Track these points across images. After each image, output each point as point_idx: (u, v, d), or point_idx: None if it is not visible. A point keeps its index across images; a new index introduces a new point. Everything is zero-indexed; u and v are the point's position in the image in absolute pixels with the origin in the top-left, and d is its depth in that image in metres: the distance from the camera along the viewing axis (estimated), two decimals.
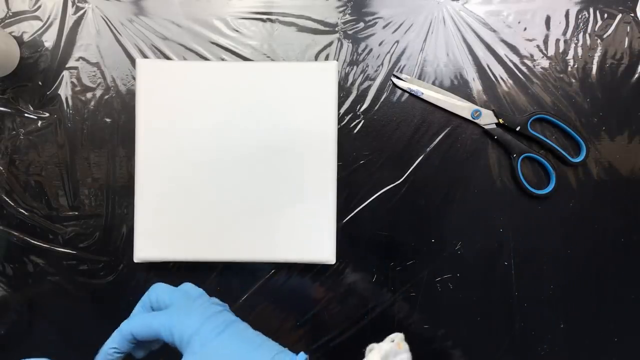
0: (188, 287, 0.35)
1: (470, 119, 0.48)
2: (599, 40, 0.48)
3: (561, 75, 0.48)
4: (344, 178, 0.47)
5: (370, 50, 0.48)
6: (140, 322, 0.32)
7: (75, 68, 0.48)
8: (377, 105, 0.48)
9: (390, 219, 0.48)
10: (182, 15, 0.48)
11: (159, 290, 0.34)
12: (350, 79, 0.48)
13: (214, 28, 0.48)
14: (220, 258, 0.46)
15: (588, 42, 0.48)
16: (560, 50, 0.48)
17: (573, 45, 0.48)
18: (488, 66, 0.48)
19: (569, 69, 0.48)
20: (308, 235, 0.45)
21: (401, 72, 0.48)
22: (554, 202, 0.48)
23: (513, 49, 0.48)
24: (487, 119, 0.47)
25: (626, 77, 0.48)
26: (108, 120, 0.48)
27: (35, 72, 0.48)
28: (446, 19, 0.48)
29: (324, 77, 0.45)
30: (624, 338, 0.48)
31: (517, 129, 0.47)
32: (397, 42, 0.48)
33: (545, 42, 0.48)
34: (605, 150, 0.48)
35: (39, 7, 0.48)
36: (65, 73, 0.48)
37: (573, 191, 0.48)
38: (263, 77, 0.45)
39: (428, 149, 0.48)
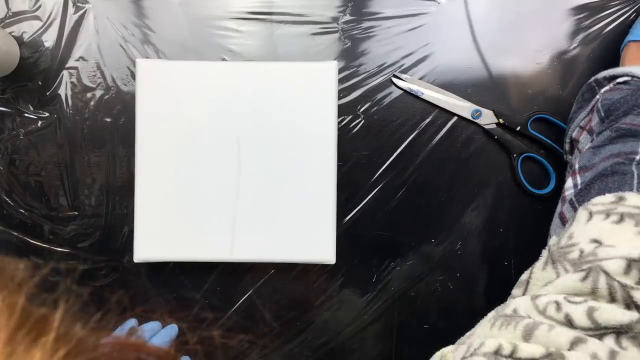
0: None
1: (470, 119, 0.48)
2: (599, 40, 0.48)
3: (562, 75, 0.48)
4: (344, 178, 0.47)
5: (370, 50, 0.48)
6: None
7: (75, 68, 0.48)
8: (377, 105, 0.48)
9: (390, 219, 0.48)
10: (182, 15, 0.48)
11: None
12: (350, 79, 0.48)
13: (214, 28, 0.48)
14: (220, 258, 0.46)
15: (589, 41, 0.48)
16: (561, 50, 0.48)
17: (573, 45, 0.48)
18: (488, 66, 0.48)
19: (569, 68, 0.48)
20: (308, 235, 0.45)
21: (401, 72, 0.48)
22: (554, 202, 0.48)
23: (513, 48, 0.48)
24: (487, 119, 0.47)
25: None
26: (108, 120, 0.48)
27: (35, 72, 0.48)
28: (446, 19, 0.48)
29: (324, 77, 0.45)
30: None
31: (517, 129, 0.47)
32: (397, 42, 0.48)
33: (546, 42, 0.48)
34: None
35: (39, 7, 0.48)
36: (65, 73, 0.48)
37: None
38: (263, 77, 0.45)
39: (428, 149, 0.48)
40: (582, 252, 0.28)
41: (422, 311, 0.48)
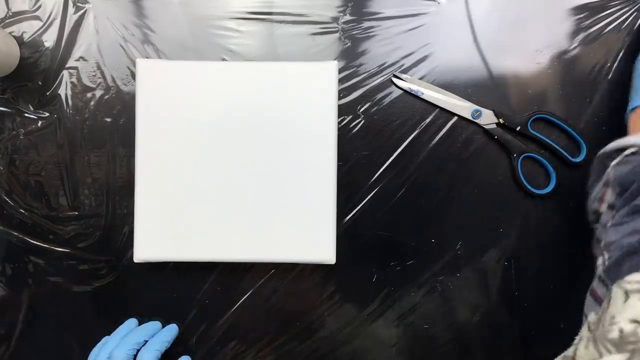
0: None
1: (470, 119, 0.48)
2: (599, 40, 0.48)
3: (562, 75, 0.48)
4: (344, 178, 0.47)
5: (371, 50, 0.48)
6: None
7: (75, 68, 0.48)
8: (377, 105, 0.48)
9: (390, 219, 0.48)
10: (182, 15, 0.48)
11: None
12: (350, 79, 0.48)
13: (214, 28, 0.48)
14: (220, 258, 0.46)
15: (589, 41, 0.48)
16: (561, 50, 0.48)
17: (573, 45, 0.48)
18: (488, 66, 0.48)
19: (570, 68, 0.48)
20: (308, 235, 0.45)
21: (401, 72, 0.48)
22: (554, 202, 0.48)
23: (513, 48, 0.48)
24: (487, 119, 0.47)
25: (626, 76, 0.48)
26: (108, 120, 0.48)
27: (35, 72, 0.48)
28: (446, 19, 0.48)
29: (324, 77, 0.45)
30: None
31: (517, 129, 0.47)
32: (397, 42, 0.48)
33: (546, 42, 0.48)
34: None
35: (39, 7, 0.48)
36: (65, 73, 0.48)
37: (573, 191, 0.48)
38: (263, 77, 0.45)
39: (428, 149, 0.48)
40: (622, 331, 0.28)
41: (422, 311, 0.48)
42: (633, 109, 0.43)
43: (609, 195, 0.38)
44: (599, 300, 0.35)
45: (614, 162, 0.38)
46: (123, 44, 0.48)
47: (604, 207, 0.39)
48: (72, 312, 0.49)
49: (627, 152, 0.38)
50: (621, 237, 0.35)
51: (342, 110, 0.48)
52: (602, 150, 0.40)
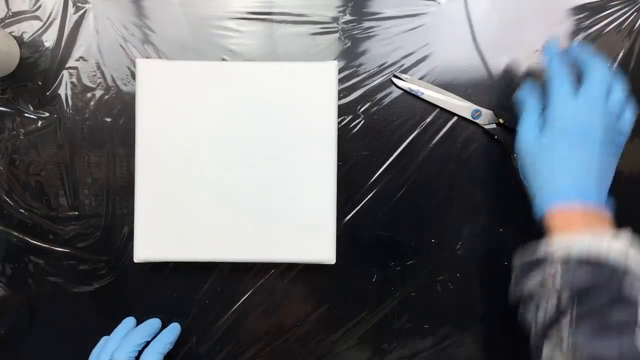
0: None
1: (470, 119, 0.48)
2: (599, 40, 0.48)
3: None
4: (344, 178, 0.47)
5: (371, 50, 0.48)
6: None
7: (75, 68, 0.48)
8: (377, 105, 0.48)
9: (390, 219, 0.48)
10: (182, 15, 0.48)
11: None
12: (350, 79, 0.48)
13: (214, 28, 0.48)
14: (220, 258, 0.46)
15: (589, 41, 0.48)
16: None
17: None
18: (488, 66, 0.48)
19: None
20: (308, 235, 0.45)
21: (401, 72, 0.48)
22: None
23: (513, 48, 0.48)
24: (487, 119, 0.47)
25: (627, 77, 0.48)
26: (108, 120, 0.48)
27: (35, 72, 0.48)
28: (446, 19, 0.48)
29: (324, 77, 0.45)
30: None
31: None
32: (397, 42, 0.48)
33: (546, 41, 0.48)
34: None
35: (39, 7, 0.48)
36: (65, 73, 0.48)
37: None
38: (263, 77, 0.45)
39: (428, 149, 0.48)
40: None
41: (422, 311, 0.48)
42: (552, 207, 0.38)
43: (563, 300, 0.34)
44: None
45: (561, 271, 0.35)
46: (123, 44, 0.48)
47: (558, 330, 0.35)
48: (72, 312, 0.49)
49: (574, 260, 0.34)
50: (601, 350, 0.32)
51: (342, 110, 0.48)
52: (535, 257, 0.37)
